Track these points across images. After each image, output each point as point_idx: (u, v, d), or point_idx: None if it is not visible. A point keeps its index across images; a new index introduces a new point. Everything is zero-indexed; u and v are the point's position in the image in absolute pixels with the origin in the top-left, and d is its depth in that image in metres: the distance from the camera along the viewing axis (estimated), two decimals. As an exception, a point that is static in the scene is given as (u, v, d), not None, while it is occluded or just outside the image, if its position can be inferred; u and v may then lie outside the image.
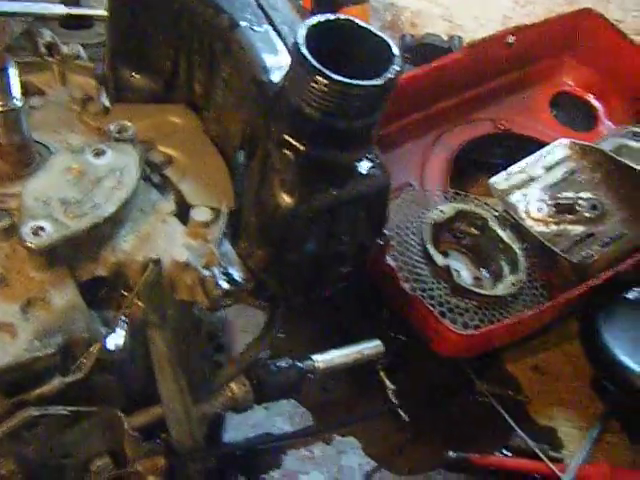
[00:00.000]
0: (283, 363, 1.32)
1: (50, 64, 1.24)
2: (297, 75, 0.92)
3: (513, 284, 1.59)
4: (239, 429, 1.47)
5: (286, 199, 0.96)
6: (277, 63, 1.02)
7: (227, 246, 1.04)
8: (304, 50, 0.89)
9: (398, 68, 0.91)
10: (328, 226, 1.00)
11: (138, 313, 0.97)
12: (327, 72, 0.88)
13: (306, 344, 1.58)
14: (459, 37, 2.00)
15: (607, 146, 1.85)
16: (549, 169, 1.81)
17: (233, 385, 1.23)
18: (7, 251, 0.98)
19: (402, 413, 1.49)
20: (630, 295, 1.61)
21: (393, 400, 1.50)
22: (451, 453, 1.47)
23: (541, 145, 1.88)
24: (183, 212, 1.09)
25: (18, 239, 0.95)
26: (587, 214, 1.75)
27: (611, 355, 1.52)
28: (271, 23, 1.08)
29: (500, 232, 1.69)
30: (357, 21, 0.95)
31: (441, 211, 1.66)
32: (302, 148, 0.95)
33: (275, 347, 1.54)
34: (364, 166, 0.99)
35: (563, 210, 1.76)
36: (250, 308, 1.53)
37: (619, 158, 1.75)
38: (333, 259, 1.05)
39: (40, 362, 0.89)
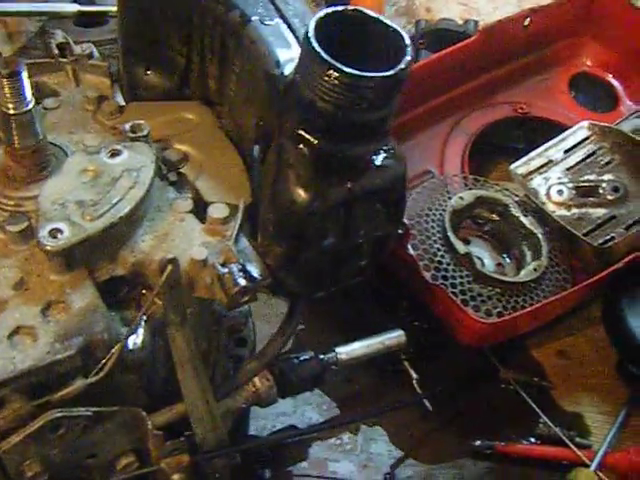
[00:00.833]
0: (305, 356, 1.32)
1: (63, 65, 1.24)
2: (308, 68, 0.91)
3: (535, 270, 1.57)
4: (266, 418, 1.48)
5: (301, 194, 0.96)
6: (289, 56, 1.01)
7: (245, 242, 1.04)
8: (314, 43, 0.88)
9: (409, 58, 0.90)
10: (345, 220, 0.99)
11: (158, 312, 0.98)
12: (338, 65, 0.87)
13: (329, 336, 1.57)
14: (474, 21, 1.97)
15: (627, 126, 1.82)
16: (569, 152, 1.79)
17: (256, 380, 1.23)
18: (26, 254, 0.99)
19: (427, 402, 1.49)
20: (654, 278, 1.59)
21: (418, 390, 1.50)
22: (477, 442, 1.47)
23: (561, 127, 1.86)
24: (200, 209, 1.09)
25: (36, 242, 0.96)
26: (609, 196, 1.72)
27: (635, 338, 1.51)
28: (282, 16, 1.08)
29: (521, 217, 1.67)
30: (367, 11, 0.94)
31: (461, 198, 1.65)
32: (316, 142, 0.95)
33: (297, 340, 1.55)
34: (379, 158, 0.98)
35: (584, 193, 1.74)
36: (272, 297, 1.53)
37: (639, 138, 1.72)
38: (351, 253, 1.04)
39: (61, 364, 0.89)
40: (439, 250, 1.56)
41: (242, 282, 0.95)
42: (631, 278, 1.57)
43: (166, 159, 1.14)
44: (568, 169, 1.78)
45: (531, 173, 1.78)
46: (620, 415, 1.52)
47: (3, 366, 0.87)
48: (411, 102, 1.83)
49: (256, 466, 1.38)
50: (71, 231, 0.95)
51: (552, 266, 1.62)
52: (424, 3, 2.14)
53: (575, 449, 1.46)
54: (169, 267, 0.90)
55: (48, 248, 0.94)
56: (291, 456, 1.46)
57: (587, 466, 1.42)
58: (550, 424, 1.49)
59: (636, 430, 1.53)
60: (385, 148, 0.99)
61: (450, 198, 1.65)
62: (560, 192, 1.74)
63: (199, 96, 1.23)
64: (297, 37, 1.05)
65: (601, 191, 1.73)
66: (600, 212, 1.72)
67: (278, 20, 1.08)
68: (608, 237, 1.66)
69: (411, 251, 1.51)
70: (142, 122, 1.11)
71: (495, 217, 1.69)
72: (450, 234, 1.57)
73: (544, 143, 1.80)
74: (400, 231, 1.42)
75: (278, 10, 1.08)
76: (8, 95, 0.97)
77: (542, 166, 1.78)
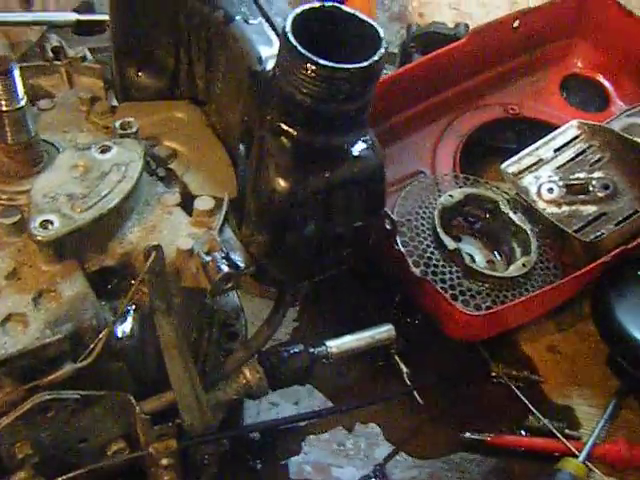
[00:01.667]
0: (295, 349, 1.35)
1: (57, 67, 1.28)
2: (286, 62, 0.95)
3: (524, 265, 1.60)
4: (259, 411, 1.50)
5: (281, 183, 0.99)
6: (271, 53, 1.05)
7: (229, 233, 1.08)
8: (291, 37, 0.92)
9: (383, 51, 0.93)
10: (324, 208, 1.02)
11: (145, 301, 1.01)
12: (313, 57, 0.91)
13: (319, 331, 1.60)
14: (465, 24, 2.00)
15: (617, 125, 1.84)
16: (559, 150, 1.82)
17: (247, 372, 1.26)
18: (19, 246, 1.03)
19: (417, 396, 1.51)
20: (641, 272, 1.61)
21: (408, 383, 1.52)
22: (467, 434, 1.48)
23: (552, 128, 1.88)
24: (188, 203, 1.12)
25: (28, 234, 1.00)
26: (599, 194, 1.74)
27: (624, 332, 1.53)
28: (265, 15, 1.12)
29: (511, 214, 1.69)
30: (343, 7, 0.97)
31: (450, 195, 1.68)
32: (295, 133, 0.98)
33: (287, 334, 1.58)
34: (357, 148, 1.02)
35: (575, 191, 1.77)
36: (261, 300, 1.57)
37: (628, 136, 1.75)
38: (331, 241, 1.07)
39: (51, 348, 0.93)
40: (429, 247, 1.59)
41: (225, 269, 0.98)
42: (619, 272, 1.59)
43: (155, 155, 1.18)
44: (558, 167, 1.80)
45: (522, 172, 1.80)
46: (609, 407, 1.54)
47: (-5, 349, 0.91)
48: (403, 103, 1.87)
49: (247, 457, 1.41)
50: (61, 222, 0.99)
51: (541, 262, 1.64)
52: (417, 8, 2.17)
53: (564, 440, 1.47)
54: (153, 254, 0.94)
55: (39, 238, 0.98)
56: (285, 450, 1.48)
57: (576, 457, 1.44)
58: (540, 416, 1.51)
59: (625, 422, 1.55)
60: (363, 139, 1.02)
61: (440, 196, 1.68)
62: (550, 190, 1.77)
63: (188, 95, 1.27)
64: (279, 35, 1.08)
65: (591, 189, 1.76)
66: (590, 209, 1.74)
67: (261, 19, 1.12)
68: (599, 233, 1.69)
69: (401, 247, 1.53)
70: (131, 120, 1.15)
71: (485, 215, 1.72)
72: (439, 230, 1.60)
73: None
74: (388, 227, 1.47)
75: (261, 9, 1.12)
76: (1, 92, 1.02)
77: (533, 165, 1.81)
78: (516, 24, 1.93)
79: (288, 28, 0.93)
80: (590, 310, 1.67)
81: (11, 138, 1.06)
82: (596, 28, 2.04)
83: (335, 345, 1.40)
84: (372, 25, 0.96)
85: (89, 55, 1.31)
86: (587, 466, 1.43)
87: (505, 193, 1.77)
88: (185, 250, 1.03)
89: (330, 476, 1.46)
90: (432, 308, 1.52)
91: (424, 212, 1.66)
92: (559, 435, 1.48)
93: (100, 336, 0.95)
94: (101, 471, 1.08)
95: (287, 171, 0.99)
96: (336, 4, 0.98)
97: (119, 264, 1.05)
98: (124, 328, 1.03)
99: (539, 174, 1.80)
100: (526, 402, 1.53)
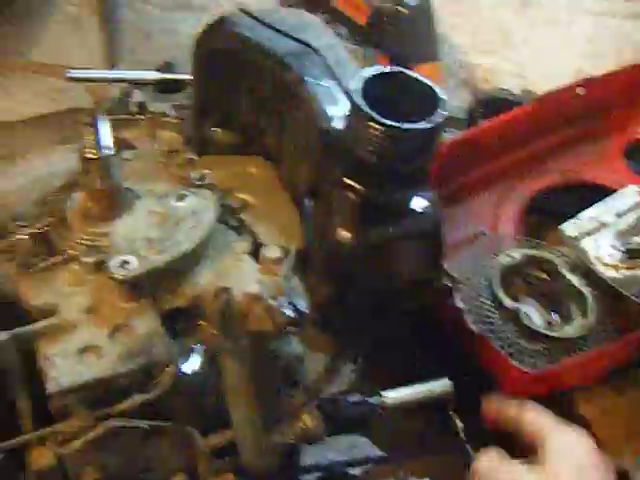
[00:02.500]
0: (353, 398, 1.39)
1: (140, 121, 1.38)
2: (353, 122, 1.02)
3: (582, 326, 1.61)
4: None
5: (345, 235, 1.05)
6: (339, 113, 1.12)
7: (295, 281, 1.13)
8: (358, 98, 0.99)
9: (444, 112, 1.00)
10: (386, 262, 1.08)
11: (212, 339, 1.08)
12: (378, 118, 0.98)
13: (376, 382, 1.63)
14: (530, 91, 2.06)
15: (679, 193, 1.86)
16: (620, 215, 1.83)
17: (305, 416, 1.31)
18: (98, 284, 1.11)
19: (470, 450, 1.52)
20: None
21: (463, 438, 1.54)
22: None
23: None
24: (258, 252, 1.19)
25: (107, 272, 1.08)
26: (659, 259, 1.76)
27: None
28: (334, 77, 1.19)
29: (570, 277, 1.71)
30: (407, 71, 1.04)
31: (510, 256, 1.71)
32: (359, 188, 1.05)
33: (346, 384, 1.62)
34: (417, 204, 1.08)
35: (634, 255, 1.78)
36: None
37: (689, 204, 1.76)
38: (392, 294, 1.13)
39: (123, 379, 0.99)
40: (487, 305, 1.62)
41: (289, 313, 1.04)
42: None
43: (228, 205, 1.26)
44: (619, 232, 1.82)
45: (581, 234, 1.83)
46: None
47: (71, 377, 0.98)
48: (466, 166, 1.91)
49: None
50: (139, 263, 1.07)
51: (599, 324, 1.65)
52: (483, 75, 2.25)
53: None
54: (222, 295, 1.00)
55: (118, 277, 1.06)
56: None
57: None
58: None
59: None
60: (423, 195, 1.08)
61: (500, 256, 1.71)
62: (610, 254, 1.78)
63: (260, 152, 1.35)
64: (348, 96, 1.16)
65: (651, 254, 1.77)
66: (650, 274, 1.75)
67: (332, 81, 1.19)
68: (659, 299, 1.69)
69: (460, 304, 1.57)
70: (207, 171, 1.24)
71: (544, 276, 1.75)
72: (498, 289, 1.63)
73: (595, 207, 1.86)
74: (447, 283, 1.51)
75: (331, 71, 1.20)
76: (91, 141, 1.11)
77: (592, 228, 1.83)
78: (580, 91, 1.97)
79: (356, 89, 1.00)
80: (648, 375, 1.66)
81: (98, 184, 1.14)
82: (660, 97, 2.06)
83: (391, 396, 1.43)
84: (432, 87, 1.02)
85: (170, 110, 1.41)
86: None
87: (565, 256, 1.79)
88: (252, 294, 1.09)
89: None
90: (489, 365, 1.55)
91: (484, 271, 1.69)
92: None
93: (167, 369, 1.01)
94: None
95: (351, 223, 1.05)
96: (401, 69, 1.05)
97: (190, 305, 1.11)
98: (192, 366, 1.09)
99: (598, 237, 1.82)
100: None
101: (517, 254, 1.74)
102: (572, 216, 1.96)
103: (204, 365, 1.10)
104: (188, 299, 1.11)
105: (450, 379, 1.51)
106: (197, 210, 1.16)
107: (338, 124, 1.11)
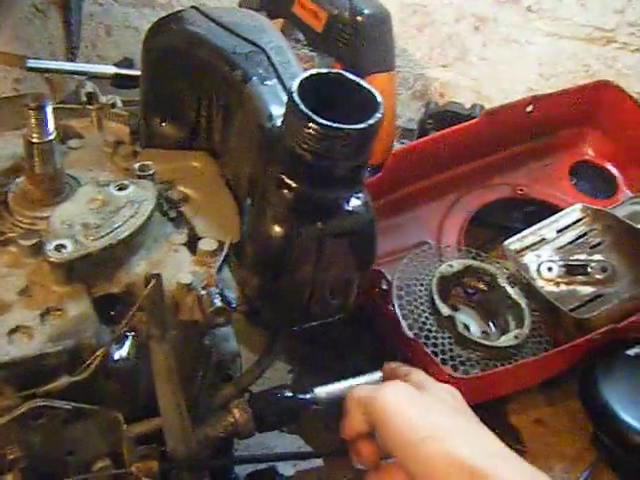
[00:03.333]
0: (284, 393, 1.41)
1: (89, 111, 1.40)
2: (291, 121, 1.05)
3: (516, 337, 1.65)
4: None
5: (277, 229, 1.08)
6: (281, 112, 1.14)
7: (226, 272, 1.16)
8: (296, 97, 1.02)
9: (380, 115, 1.03)
10: (315, 258, 1.10)
11: (141, 325, 1.09)
12: (315, 117, 1.00)
13: (310, 379, 1.65)
14: (481, 105, 2.11)
15: (621, 212, 1.91)
16: (561, 232, 1.89)
17: (235, 411, 1.32)
18: (33, 267, 1.12)
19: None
20: (630, 352, 1.65)
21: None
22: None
23: (559, 211, 1.96)
24: (194, 245, 1.21)
25: (43, 255, 1.09)
26: (597, 276, 1.80)
27: (608, 409, 1.57)
28: (279, 78, 1.22)
29: (508, 289, 1.76)
30: (347, 74, 1.07)
31: (450, 265, 1.75)
32: (295, 186, 1.07)
33: (277, 379, 1.64)
34: (351, 204, 1.10)
35: (573, 271, 1.83)
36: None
37: (628, 221, 1.81)
38: (320, 290, 1.15)
39: (50, 358, 1.01)
40: (424, 312, 1.66)
41: (218, 303, 1.07)
42: (608, 350, 1.64)
43: (168, 198, 1.28)
44: (559, 248, 1.87)
45: (524, 249, 1.88)
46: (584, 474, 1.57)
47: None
48: (413, 176, 1.96)
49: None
50: (74, 247, 1.08)
51: (534, 336, 1.70)
52: (438, 88, 2.29)
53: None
54: (152, 281, 1.02)
55: (52, 260, 1.07)
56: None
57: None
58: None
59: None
60: (357, 196, 1.11)
61: (440, 265, 1.75)
62: (550, 269, 1.83)
63: (206, 147, 1.38)
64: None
65: (590, 270, 1.82)
66: (587, 290, 1.80)
67: (276, 81, 1.22)
68: (595, 313, 1.74)
69: (396, 309, 1.60)
70: (150, 163, 1.26)
71: (483, 287, 1.79)
72: (436, 297, 1.67)
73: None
74: (384, 287, 1.54)
75: (277, 72, 1.23)
76: (33, 126, 1.13)
77: (535, 243, 1.88)
78: (529, 109, 2.02)
79: (294, 89, 1.03)
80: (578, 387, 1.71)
81: (38, 168, 1.16)
82: (608, 118, 2.12)
83: (323, 391, 1.46)
84: (371, 91, 1.05)
85: (119, 102, 1.42)
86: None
87: (505, 269, 1.83)
88: (184, 284, 1.11)
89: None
90: (421, 369, 1.58)
91: (424, 279, 1.73)
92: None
93: (96, 354, 1.03)
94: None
95: (283, 219, 1.07)
96: (341, 71, 1.07)
97: (123, 293, 1.13)
98: (121, 352, 1.10)
99: (540, 253, 1.87)
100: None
101: (458, 264, 1.78)
102: (518, 230, 2.01)
103: (133, 352, 1.11)
104: (122, 287, 1.13)
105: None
106: (136, 200, 1.18)
107: (279, 122, 1.13)
